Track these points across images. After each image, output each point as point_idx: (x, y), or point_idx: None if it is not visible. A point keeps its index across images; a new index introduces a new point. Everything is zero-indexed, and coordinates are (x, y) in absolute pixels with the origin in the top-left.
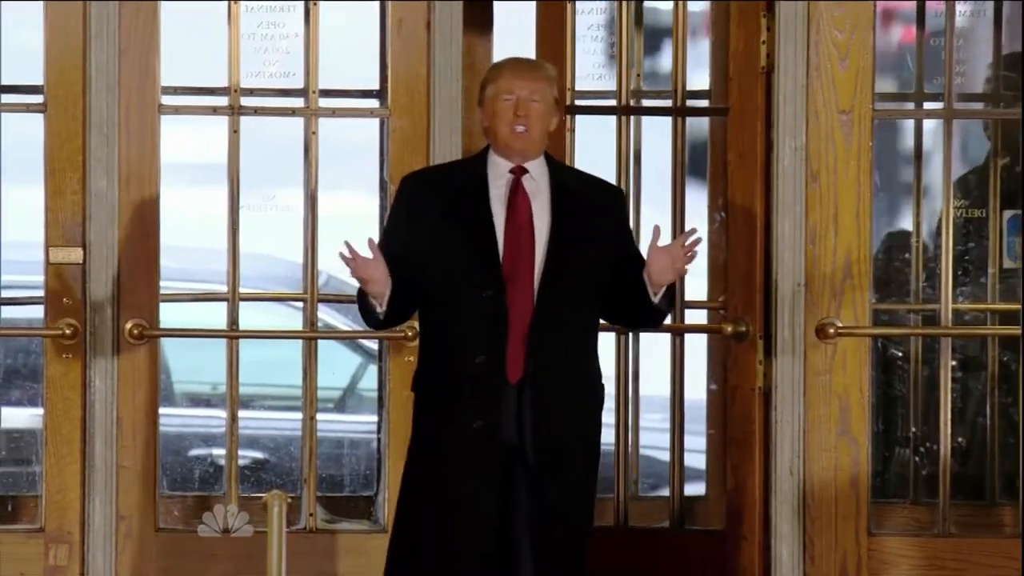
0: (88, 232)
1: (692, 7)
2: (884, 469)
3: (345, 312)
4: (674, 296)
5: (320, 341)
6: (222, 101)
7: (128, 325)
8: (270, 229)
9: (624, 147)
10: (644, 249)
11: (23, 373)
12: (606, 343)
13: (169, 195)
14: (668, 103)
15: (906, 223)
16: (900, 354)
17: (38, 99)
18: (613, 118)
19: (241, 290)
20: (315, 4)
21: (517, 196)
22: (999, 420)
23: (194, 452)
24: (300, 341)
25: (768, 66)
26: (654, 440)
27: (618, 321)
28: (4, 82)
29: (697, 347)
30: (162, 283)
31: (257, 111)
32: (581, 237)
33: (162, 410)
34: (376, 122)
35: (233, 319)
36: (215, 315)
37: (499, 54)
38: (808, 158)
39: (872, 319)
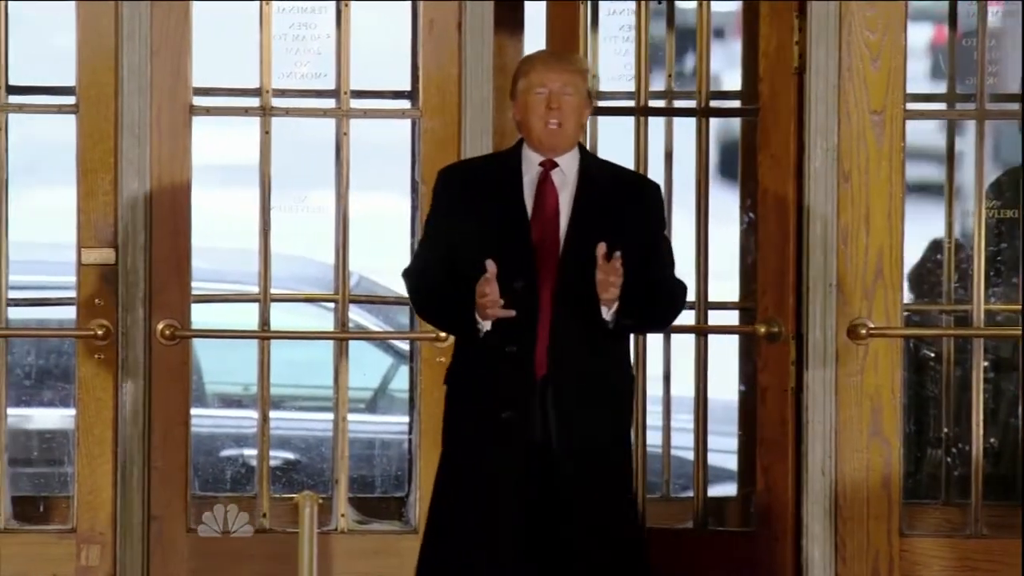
0: (120, 233)
1: (725, 7)
2: (916, 470)
3: (376, 313)
4: (631, 322)
5: (351, 342)
6: (254, 102)
7: (160, 326)
8: (301, 230)
9: (643, 148)
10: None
11: (55, 374)
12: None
13: (201, 196)
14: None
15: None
16: (932, 355)
17: (70, 100)
18: (647, 119)
19: (272, 291)
20: (346, 5)
21: (545, 189)
22: None
23: (226, 453)
24: (331, 342)
25: (800, 66)
26: (687, 441)
27: None
28: (36, 83)
29: (728, 348)
30: (194, 284)
31: (289, 112)
32: (603, 230)
33: (194, 411)
34: (407, 123)
35: (264, 320)
36: (247, 316)
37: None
38: (840, 158)
39: (904, 320)
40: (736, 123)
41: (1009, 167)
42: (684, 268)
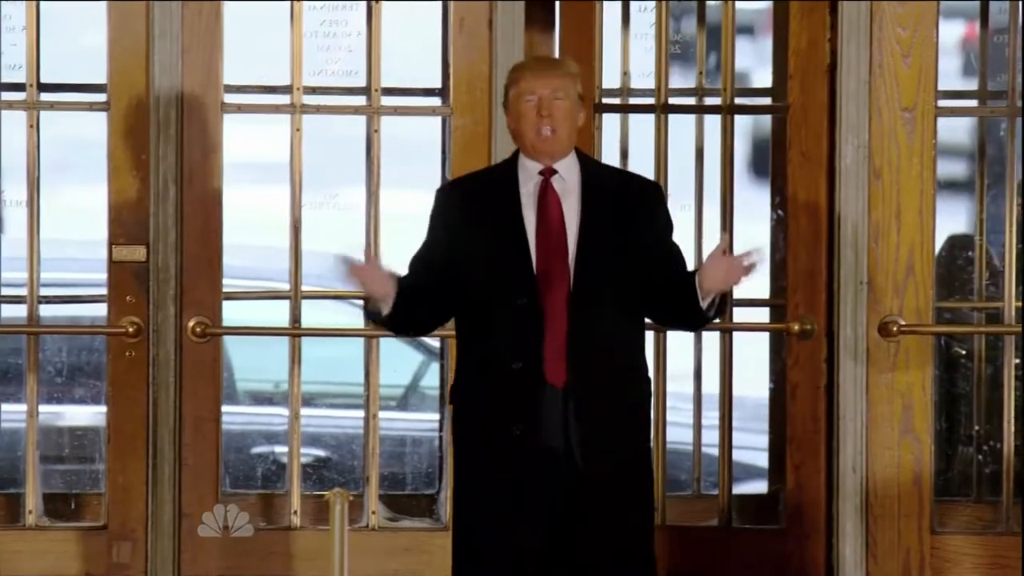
0: (151, 230)
1: (757, 4)
2: (947, 467)
3: None
4: (724, 307)
5: (382, 339)
6: (284, 99)
7: (191, 323)
8: (332, 227)
9: (664, 145)
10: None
11: (86, 371)
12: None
13: (231, 193)
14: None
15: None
16: (963, 352)
17: (101, 98)
18: (676, 116)
19: (303, 288)
20: (377, 3)
21: (547, 197)
22: None
23: (257, 450)
24: (362, 339)
25: (830, 63)
26: (716, 439)
27: (657, 319)
28: (68, 81)
29: (756, 345)
30: (224, 281)
31: (319, 109)
32: (613, 234)
33: (225, 408)
34: (438, 120)
35: (295, 317)
36: (277, 313)
37: (560, 52)
38: (871, 156)
39: (935, 317)
40: (768, 120)
41: None
42: None
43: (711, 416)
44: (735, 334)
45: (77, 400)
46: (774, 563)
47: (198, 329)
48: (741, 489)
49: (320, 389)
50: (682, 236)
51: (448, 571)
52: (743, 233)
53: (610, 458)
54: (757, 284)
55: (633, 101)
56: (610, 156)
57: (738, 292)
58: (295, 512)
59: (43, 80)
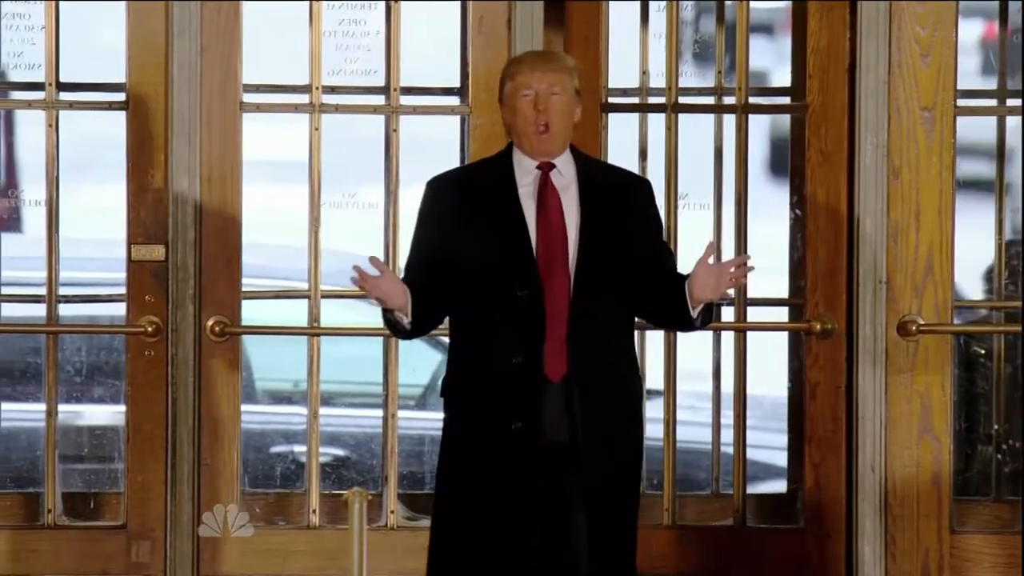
0: (170, 230)
1: (776, 4)
2: (966, 467)
3: None
4: (711, 314)
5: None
6: (303, 99)
7: (210, 322)
8: (351, 226)
9: (673, 144)
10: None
11: (105, 370)
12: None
13: (250, 192)
14: (756, 100)
15: None
16: (982, 351)
17: (120, 97)
18: (697, 117)
19: (322, 287)
20: (396, 2)
21: (546, 192)
22: None
23: (275, 449)
24: (380, 338)
25: (850, 63)
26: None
27: (650, 320)
28: (86, 80)
29: (777, 345)
30: (243, 280)
31: (338, 109)
32: (612, 230)
33: (243, 407)
34: (456, 119)
35: (314, 316)
36: (296, 312)
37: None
38: (890, 155)
39: (953, 316)
40: (787, 120)
41: None
42: None
43: (730, 415)
44: (754, 333)
45: (96, 399)
46: (793, 563)
47: (217, 328)
48: (760, 489)
49: (339, 388)
50: (700, 236)
51: None
52: (761, 232)
53: (610, 452)
54: (774, 283)
55: (651, 101)
56: (626, 156)
57: (755, 291)
58: (314, 511)
59: (62, 79)
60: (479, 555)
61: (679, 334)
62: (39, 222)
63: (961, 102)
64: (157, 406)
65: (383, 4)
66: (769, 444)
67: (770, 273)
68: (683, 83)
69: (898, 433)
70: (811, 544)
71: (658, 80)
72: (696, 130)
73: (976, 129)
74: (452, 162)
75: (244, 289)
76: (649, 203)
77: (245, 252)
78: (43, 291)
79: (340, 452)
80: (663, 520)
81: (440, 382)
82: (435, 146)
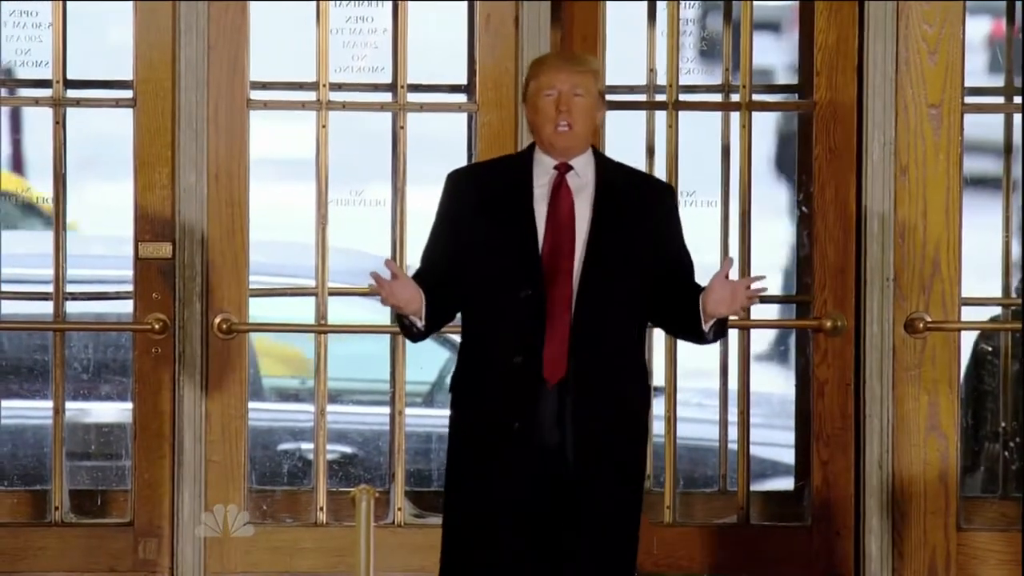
0: (177, 227)
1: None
2: (973, 464)
3: None
4: (725, 330)
5: None
6: (311, 96)
7: (217, 320)
8: (358, 224)
9: (674, 142)
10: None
11: (112, 368)
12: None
13: (258, 190)
14: (762, 97)
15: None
16: (990, 349)
17: (127, 94)
18: (713, 114)
19: (329, 285)
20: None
21: (560, 193)
22: None
23: (283, 447)
24: (388, 335)
25: (856, 60)
26: (752, 436)
27: (663, 328)
28: (94, 77)
29: (784, 342)
30: (250, 278)
31: (345, 106)
32: (623, 234)
33: (251, 405)
34: (464, 117)
35: (321, 314)
36: (303, 310)
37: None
38: (897, 152)
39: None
40: (794, 117)
41: None
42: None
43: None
44: (762, 331)
45: (103, 397)
46: (799, 560)
47: (224, 326)
48: (767, 486)
49: (346, 386)
50: (707, 232)
51: None
52: (767, 230)
53: (604, 457)
54: (780, 281)
55: (658, 98)
56: (625, 153)
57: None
58: (321, 509)
59: (69, 77)
60: (482, 554)
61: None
62: (46, 219)
63: (968, 99)
64: (164, 403)
65: (390, 2)
66: (776, 441)
67: (776, 271)
68: (690, 80)
69: (905, 430)
70: (818, 541)
71: (665, 78)
72: (704, 128)
73: (983, 126)
74: (459, 160)
75: (251, 287)
76: (669, 209)
77: (252, 249)
78: (50, 288)
79: (347, 449)
80: (665, 518)
81: (448, 379)
82: (442, 144)
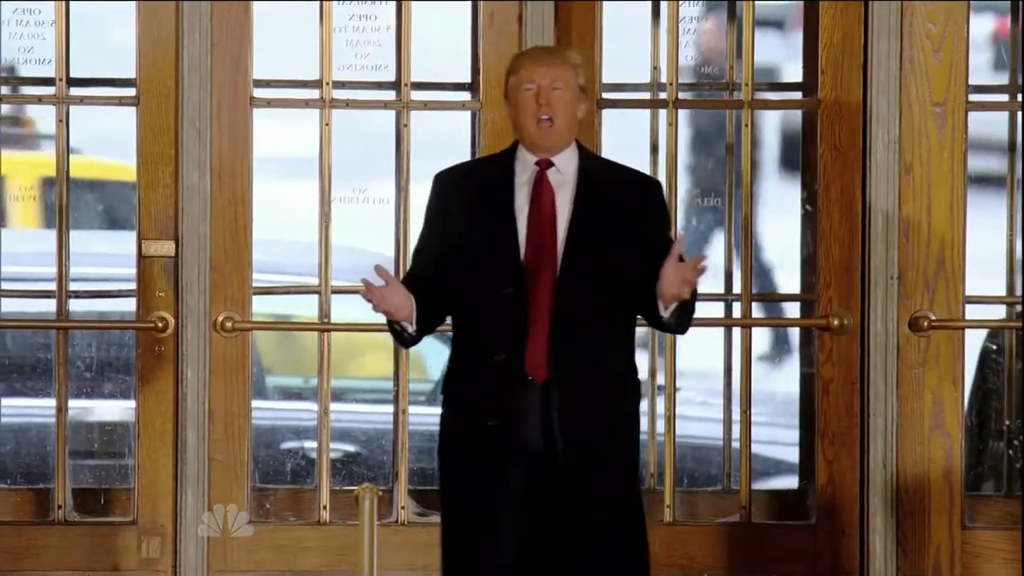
0: (180, 225)
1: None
2: (977, 462)
3: None
4: (687, 318)
5: None
6: (314, 94)
7: (220, 318)
8: (361, 222)
9: (673, 140)
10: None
11: (115, 366)
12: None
13: (261, 188)
14: (767, 95)
15: None
16: (994, 347)
17: (131, 93)
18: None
19: (332, 283)
20: None
21: (541, 189)
22: None
23: (286, 445)
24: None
25: (861, 59)
26: (755, 434)
27: (645, 320)
28: (97, 76)
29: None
30: (254, 276)
31: (349, 104)
32: (606, 229)
33: (254, 403)
34: (467, 115)
35: (325, 312)
36: (307, 308)
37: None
38: (901, 151)
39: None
40: (798, 115)
41: None
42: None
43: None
44: (764, 329)
45: (106, 395)
46: (804, 559)
47: (227, 324)
48: (772, 484)
49: (349, 384)
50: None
51: None
52: (772, 228)
53: (592, 456)
54: (785, 279)
55: (661, 96)
56: (623, 152)
57: (757, 288)
58: (324, 507)
59: (72, 75)
60: (480, 553)
61: (722, 331)
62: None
63: (973, 97)
64: (167, 402)
65: (394, 0)
66: (781, 440)
67: (780, 269)
68: (696, 79)
69: (909, 429)
70: (823, 540)
71: (666, 76)
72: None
73: (988, 124)
74: (463, 158)
75: (254, 285)
76: (653, 203)
77: (255, 248)
78: (53, 287)
79: (351, 448)
80: (664, 517)
81: None
82: (446, 142)
